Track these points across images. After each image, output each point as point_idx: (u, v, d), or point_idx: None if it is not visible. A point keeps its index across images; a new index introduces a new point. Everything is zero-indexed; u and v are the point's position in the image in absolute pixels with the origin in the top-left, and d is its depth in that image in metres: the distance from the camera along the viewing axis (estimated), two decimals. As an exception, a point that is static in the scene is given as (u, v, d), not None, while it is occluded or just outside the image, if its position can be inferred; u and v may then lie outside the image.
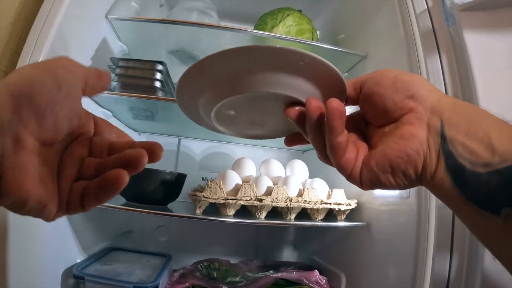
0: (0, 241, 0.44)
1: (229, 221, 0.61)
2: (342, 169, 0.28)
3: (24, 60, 0.48)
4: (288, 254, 0.91)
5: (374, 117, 0.29)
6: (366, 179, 0.27)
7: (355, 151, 0.28)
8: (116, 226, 0.80)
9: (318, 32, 0.84)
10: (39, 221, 0.37)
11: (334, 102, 0.25)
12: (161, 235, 0.84)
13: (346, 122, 0.26)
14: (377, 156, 0.26)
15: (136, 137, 0.89)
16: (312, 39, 0.77)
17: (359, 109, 0.31)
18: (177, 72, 0.84)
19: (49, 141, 0.22)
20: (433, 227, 0.51)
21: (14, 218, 0.45)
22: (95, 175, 0.23)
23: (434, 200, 0.51)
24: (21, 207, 0.20)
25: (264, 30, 0.75)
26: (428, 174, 0.25)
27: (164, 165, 0.81)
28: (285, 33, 0.74)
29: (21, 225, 0.47)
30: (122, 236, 0.81)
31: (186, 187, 0.71)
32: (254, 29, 0.78)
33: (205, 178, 0.83)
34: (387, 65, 0.65)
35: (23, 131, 0.20)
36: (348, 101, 0.30)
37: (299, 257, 0.90)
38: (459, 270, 0.50)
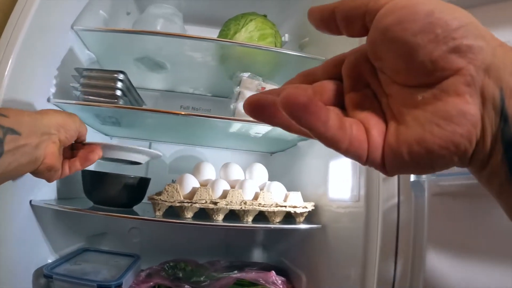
0: None
1: (185, 223, 0.63)
2: (354, 159, 0.19)
3: None
4: (258, 256, 0.94)
5: (396, 72, 0.19)
6: (394, 168, 0.19)
7: (361, 128, 0.19)
8: (89, 229, 0.83)
9: (286, 35, 0.85)
10: (8, 224, 0.53)
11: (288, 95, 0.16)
12: (134, 236, 0.88)
13: (337, 66, 0.21)
14: (411, 141, 0.18)
15: (108, 141, 0.93)
16: (275, 44, 0.78)
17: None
18: (144, 77, 0.87)
19: (65, 144, 0.49)
20: (379, 230, 0.52)
21: None
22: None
23: (381, 204, 0.52)
24: (48, 170, 0.47)
25: (227, 36, 0.76)
26: (477, 162, 0.18)
27: (135, 168, 0.84)
28: (247, 38, 0.75)
29: None
30: (95, 237, 0.85)
31: (156, 190, 0.73)
32: (219, 34, 0.79)
33: (175, 180, 0.86)
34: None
35: (56, 138, 0.46)
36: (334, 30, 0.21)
37: (268, 259, 0.92)
38: (404, 272, 0.52)
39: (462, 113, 0.17)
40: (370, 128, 0.19)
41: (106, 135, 0.90)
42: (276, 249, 0.89)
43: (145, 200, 0.73)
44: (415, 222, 0.53)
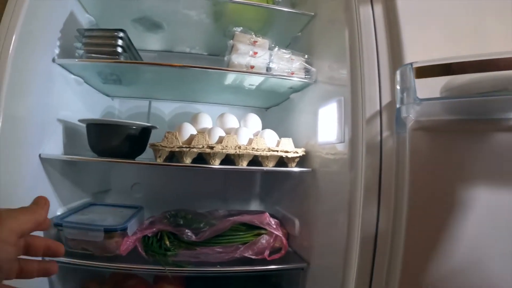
0: None
1: (184, 166, 0.68)
2: None
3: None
4: (255, 206, 0.99)
5: None
6: None
7: None
8: (94, 185, 0.88)
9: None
10: (19, 177, 0.59)
11: None
12: (136, 191, 0.93)
13: None
14: None
15: (109, 102, 0.98)
16: (267, 1, 0.81)
17: None
18: (142, 38, 0.91)
19: None
20: (363, 171, 0.55)
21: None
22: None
23: (364, 144, 0.55)
24: None
25: (220, -7, 0.79)
26: None
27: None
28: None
29: (3, 183, 0.55)
30: (100, 194, 0.90)
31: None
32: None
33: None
34: (328, 25, 0.70)
35: None
36: None
37: (265, 209, 0.97)
38: (387, 215, 0.54)
39: None
40: None
41: (107, 95, 0.95)
42: (271, 198, 0.94)
43: (144, 155, 0.78)
44: (397, 157, 0.55)
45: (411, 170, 0.53)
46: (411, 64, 0.49)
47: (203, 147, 0.67)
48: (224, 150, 0.68)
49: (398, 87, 0.52)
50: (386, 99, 0.58)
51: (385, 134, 0.56)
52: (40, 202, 0.38)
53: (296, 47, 0.79)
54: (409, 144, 0.54)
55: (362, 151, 0.56)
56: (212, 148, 0.67)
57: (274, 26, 0.77)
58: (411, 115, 0.53)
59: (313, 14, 0.76)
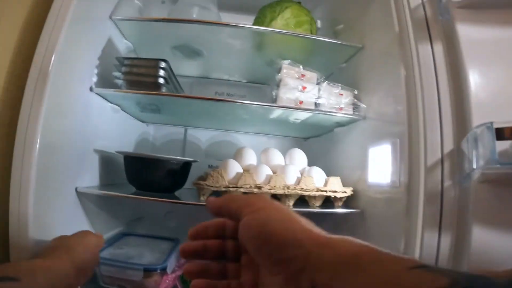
0: (21, 231, 0.49)
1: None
2: None
3: (37, 64, 0.53)
4: None
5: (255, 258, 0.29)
6: None
7: None
8: (127, 213, 0.85)
9: (318, 21, 0.85)
10: (55, 212, 0.57)
11: None
12: (170, 220, 0.90)
13: (222, 228, 0.33)
14: None
15: (144, 127, 0.95)
16: (311, 31, 0.78)
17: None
18: (181, 65, 0.88)
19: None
20: (420, 221, 0.52)
21: (35, 210, 0.50)
22: None
23: (422, 193, 0.52)
24: None
25: (262, 23, 0.77)
26: None
27: (171, 154, 0.85)
28: (283, 25, 0.75)
29: (41, 216, 0.52)
30: (133, 222, 0.87)
31: (193, 174, 0.75)
32: (254, 22, 0.79)
33: (211, 165, 0.88)
34: (380, 59, 0.67)
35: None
36: None
37: None
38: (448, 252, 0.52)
39: None
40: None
41: (143, 121, 0.92)
42: None
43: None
44: (459, 209, 0.52)
45: (474, 223, 0.51)
46: (491, 123, 0.47)
47: (250, 187, 0.65)
48: (272, 191, 0.65)
49: (470, 146, 0.49)
50: (448, 146, 0.55)
51: (446, 183, 0.54)
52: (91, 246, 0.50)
53: (340, 79, 0.76)
54: (473, 196, 0.51)
55: (420, 199, 0.53)
56: (260, 188, 0.65)
57: (317, 56, 0.74)
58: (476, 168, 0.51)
59: (361, 46, 0.73)
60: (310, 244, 0.26)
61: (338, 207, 0.71)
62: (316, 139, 0.96)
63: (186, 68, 0.91)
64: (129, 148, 0.88)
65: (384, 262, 0.23)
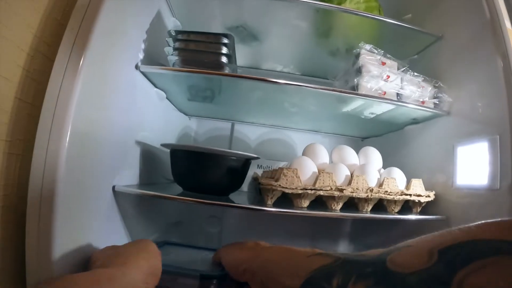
0: (48, 235, 0.37)
1: (304, 213, 0.55)
2: None
3: (73, 29, 0.41)
4: (343, 247, 0.86)
5: None
6: None
7: None
8: (165, 217, 0.73)
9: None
10: (91, 211, 0.46)
11: None
12: (212, 226, 0.77)
13: None
14: None
15: (186, 121, 0.82)
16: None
17: None
18: (236, 50, 0.77)
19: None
20: None
21: (63, 211, 0.38)
22: None
23: None
24: None
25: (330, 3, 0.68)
26: None
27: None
28: (353, 8, 0.67)
29: (71, 218, 0.40)
30: (170, 227, 0.74)
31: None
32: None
33: (260, 165, 0.76)
34: (466, 49, 0.61)
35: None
36: None
37: (354, 250, 0.85)
38: None
39: None
40: None
41: (185, 114, 0.79)
42: (364, 241, 0.82)
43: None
44: None
45: None
46: None
47: (330, 189, 0.55)
48: (354, 194, 0.56)
49: None
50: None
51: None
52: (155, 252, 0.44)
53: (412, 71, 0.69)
54: None
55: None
56: (341, 190, 0.55)
57: (387, 46, 0.66)
58: None
59: (440, 35, 0.67)
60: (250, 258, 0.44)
61: (417, 213, 0.63)
62: (375, 139, 0.88)
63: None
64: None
65: (293, 256, 0.37)
